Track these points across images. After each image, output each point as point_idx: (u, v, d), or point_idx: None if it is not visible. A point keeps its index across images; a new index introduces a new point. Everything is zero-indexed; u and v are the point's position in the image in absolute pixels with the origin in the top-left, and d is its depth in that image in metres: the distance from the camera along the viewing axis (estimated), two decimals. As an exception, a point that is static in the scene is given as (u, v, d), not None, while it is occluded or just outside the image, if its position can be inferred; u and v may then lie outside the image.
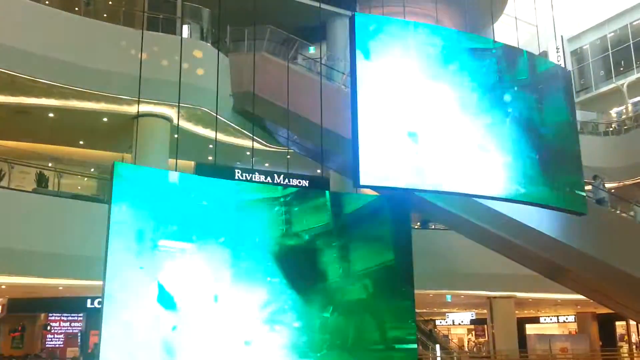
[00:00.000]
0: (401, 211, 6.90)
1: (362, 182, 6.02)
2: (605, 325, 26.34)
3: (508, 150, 6.98)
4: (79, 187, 13.93)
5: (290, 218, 6.25)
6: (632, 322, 25.33)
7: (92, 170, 15.37)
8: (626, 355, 24.98)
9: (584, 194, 7.92)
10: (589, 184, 11.58)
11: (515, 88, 7.32)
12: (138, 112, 12.31)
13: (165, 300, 5.48)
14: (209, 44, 13.57)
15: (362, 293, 6.41)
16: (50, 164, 14.04)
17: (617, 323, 26.94)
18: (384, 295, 6.47)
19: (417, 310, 6.80)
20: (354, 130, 6.12)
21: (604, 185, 12.80)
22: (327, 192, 6.78)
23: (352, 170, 6.14)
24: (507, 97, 7.18)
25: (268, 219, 6.18)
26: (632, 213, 12.83)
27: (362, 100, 6.20)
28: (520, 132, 7.21)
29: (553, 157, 7.48)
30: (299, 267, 6.18)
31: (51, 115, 13.68)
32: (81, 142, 16.03)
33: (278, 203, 6.28)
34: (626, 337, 27.39)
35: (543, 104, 7.61)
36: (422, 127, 6.53)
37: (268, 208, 6.25)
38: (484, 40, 7.48)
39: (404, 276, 6.59)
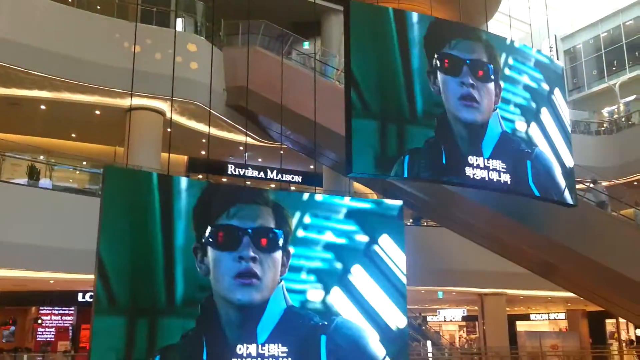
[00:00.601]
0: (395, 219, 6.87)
1: (354, 171, 6.07)
2: (596, 322, 26.52)
3: (499, 141, 7.05)
4: (71, 180, 13.86)
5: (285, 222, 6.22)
6: (622, 320, 25.52)
7: (84, 163, 15.29)
8: (616, 352, 25.13)
9: (574, 185, 8.00)
10: (581, 182, 11.63)
11: (507, 77, 7.39)
12: (131, 105, 12.26)
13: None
14: (203, 38, 13.52)
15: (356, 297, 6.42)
16: (42, 157, 13.96)
17: (607, 321, 27.12)
18: (378, 299, 6.49)
19: (408, 307, 6.83)
20: (347, 119, 6.16)
21: (604, 189, 12.78)
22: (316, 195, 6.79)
23: (345, 159, 6.20)
24: (499, 87, 7.25)
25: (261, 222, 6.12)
26: (627, 211, 12.91)
27: (355, 90, 6.24)
28: (511, 122, 7.28)
29: (544, 148, 7.55)
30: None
31: (43, 107, 13.59)
32: (73, 135, 15.94)
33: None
34: (616, 335, 27.60)
35: (535, 95, 7.69)
36: (415, 118, 6.58)
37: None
38: (478, 31, 7.55)
39: (397, 285, 6.60)
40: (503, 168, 6.99)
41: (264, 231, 5.93)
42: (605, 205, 11.81)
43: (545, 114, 7.77)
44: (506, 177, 7.00)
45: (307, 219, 6.27)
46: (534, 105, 7.67)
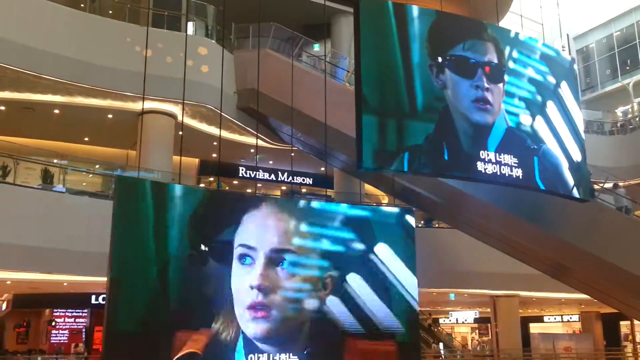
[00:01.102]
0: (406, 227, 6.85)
1: (364, 165, 6.09)
2: (610, 324, 26.24)
3: (504, 137, 7.00)
4: (84, 184, 13.97)
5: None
6: (637, 322, 25.21)
7: (97, 166, 15.41)
8: (630, 355, 24.85)
9: (583, 179, 7.91)
10: (596, 183, 11.46)
11: (511, 71, 7.33)
12: (143, 108, 12.35)
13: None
14: (213, 41, 13.59)
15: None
16: (55, 160, 14.09)
17: (622, 323, 26.82)
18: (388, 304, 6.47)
19: (419, 308, 6.80)
20: (358, 114, 6.16)
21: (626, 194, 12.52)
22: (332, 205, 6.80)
23: (356, 157, 6.19)
24: (509, 82, 7.21)
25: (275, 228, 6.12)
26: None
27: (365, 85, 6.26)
28: (515, 116, 7.23)
29: (556, 143, 7.48)
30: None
31: (56, 111, 13.73)
32: (86, 139, 16.08)
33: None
34: (630, 337, 27.26)
35: (540, 88, 7.62)
36: (416, 113, 6.55)
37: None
38: (488, 26, 7.50)
39: (409, 289, 6.58)
40: (514, 162, 6.93)
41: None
42: (627, 211, 11.58)
43: (551, 108, 7.67)
44: (515, 172, 6.94)
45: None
46: (539, 98, 7.58)
